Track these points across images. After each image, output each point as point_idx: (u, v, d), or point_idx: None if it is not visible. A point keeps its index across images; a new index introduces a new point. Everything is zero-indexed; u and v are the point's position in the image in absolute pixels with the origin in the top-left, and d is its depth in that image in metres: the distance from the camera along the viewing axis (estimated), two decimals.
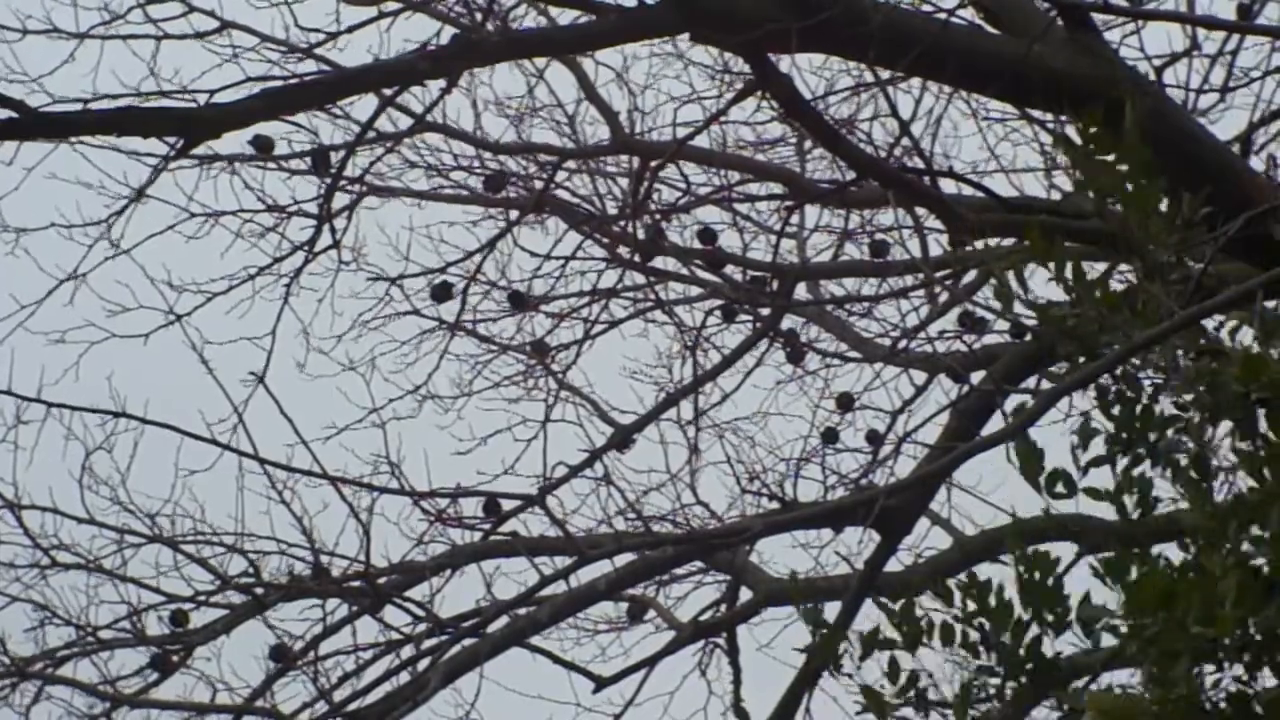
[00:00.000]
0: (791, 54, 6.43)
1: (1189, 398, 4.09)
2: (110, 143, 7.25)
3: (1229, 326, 4.29)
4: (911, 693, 4.26)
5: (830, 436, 8.16)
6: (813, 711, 7.07)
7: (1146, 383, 4.19)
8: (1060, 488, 4.21)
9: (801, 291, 8.32)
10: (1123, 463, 4.14)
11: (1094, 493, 4.21)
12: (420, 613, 6.98)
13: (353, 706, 6.75)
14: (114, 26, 7.30)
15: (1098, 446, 4.15)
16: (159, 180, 7.28)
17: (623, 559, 6.85)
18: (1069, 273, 4.25)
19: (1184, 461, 4.05)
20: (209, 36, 7.38)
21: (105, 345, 7.79)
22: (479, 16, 6.82)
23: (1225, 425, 4.03)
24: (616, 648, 8.15)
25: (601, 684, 7.03)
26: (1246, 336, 4.20)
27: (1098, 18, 6.30)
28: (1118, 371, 4.20)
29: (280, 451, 6.92)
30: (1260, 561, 3.80)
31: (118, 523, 7.39)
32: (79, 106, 6.29)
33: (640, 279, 8.42)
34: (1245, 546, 3.84)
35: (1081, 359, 4.20)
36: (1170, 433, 4.10)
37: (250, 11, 7.43)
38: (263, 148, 7.67)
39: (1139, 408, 4.13)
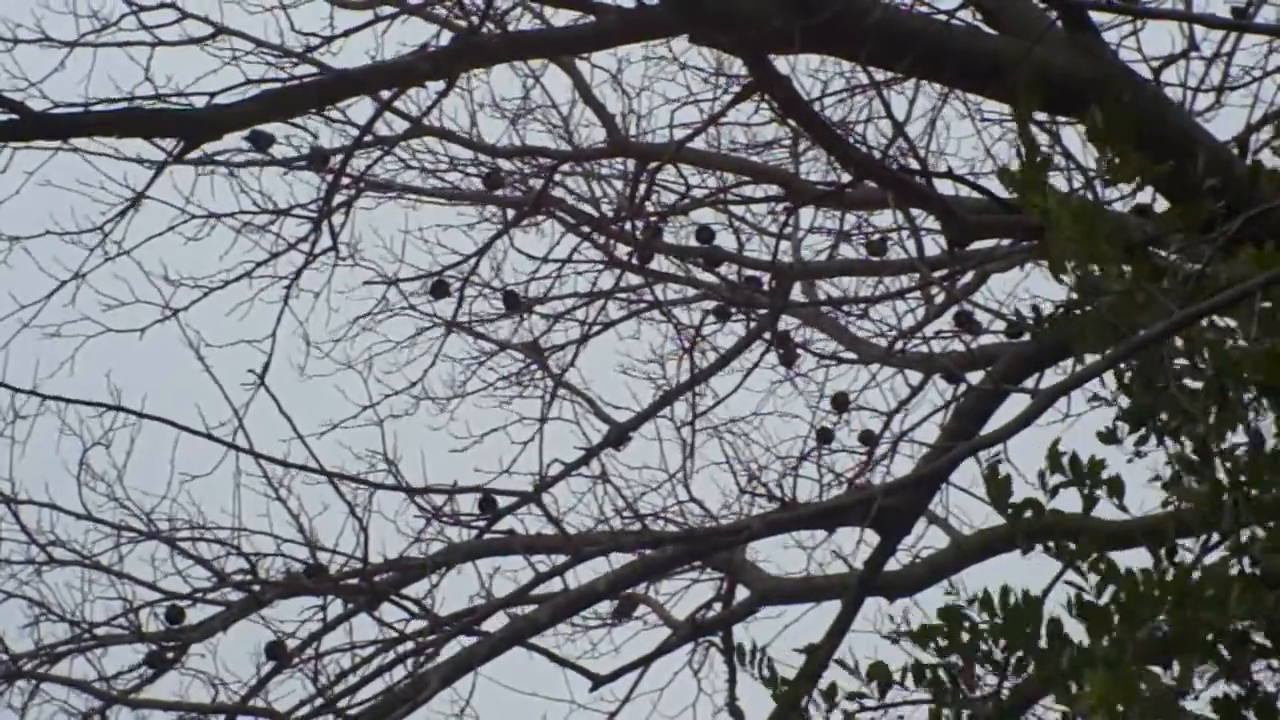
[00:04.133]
0: (791, 55, 6.45)
1: (1200, 385, 4.09)
2: (108, 146, 7.26)
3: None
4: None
5: (825, 436, 8.17)
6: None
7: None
8: (1030, 514, 4.22)
9: (798, 292, 8.33)
10: (1132, 438, 4.15)
11: (1061, 515, 4.22)
12: (418, 610, 7.00)
13: (353, 708, 6.75)
14: (106, 34, 7.31)
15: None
16: (157, 180, 7.28)
17: (622, 559, 6.86)
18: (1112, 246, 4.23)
19: (1190, 445, 4.04)
20: (203, 43, 7.39)
21: (102, 341, 7.80)
22: (475, 19, 6.82)
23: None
24: (607, 644, 8.17)
25: (599, 682, 7.03)
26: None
27: (1097, 19, 6.31)
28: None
29: (277, 448, 6.97)
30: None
31: (115, 519, 7.41)
32: (80, 108, 6.29)
33: (637, 280, 8.43)
34: (1244, 540, 3.85)
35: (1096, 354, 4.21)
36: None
37: (244, 17, 7.48)
38: (260, 143, 7.68)
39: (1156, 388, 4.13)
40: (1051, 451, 4.19)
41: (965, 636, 4.05)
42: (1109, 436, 4.19)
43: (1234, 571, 3.74)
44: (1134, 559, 3.99)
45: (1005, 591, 4.06)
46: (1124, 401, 4.13)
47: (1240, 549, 3.79)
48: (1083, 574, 4.01)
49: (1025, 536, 4.14)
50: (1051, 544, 4.12)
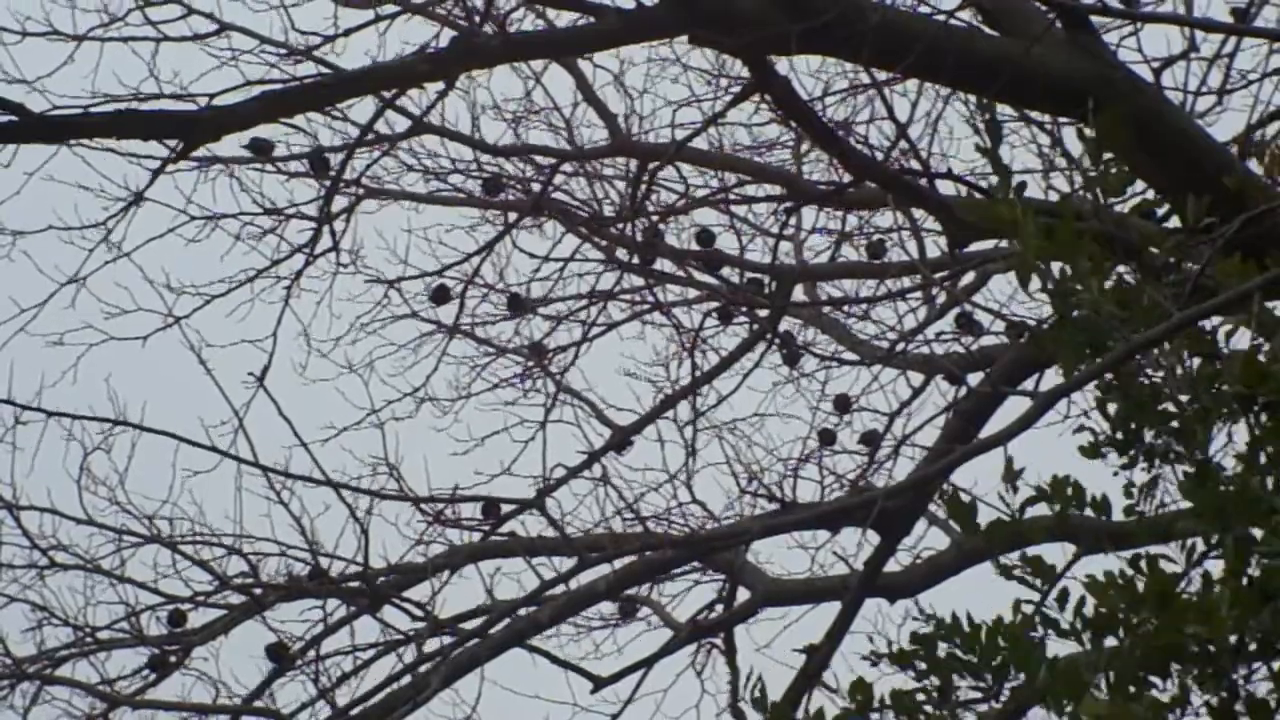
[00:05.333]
0: (790, 55, 6.44)
1: (1185, 398, 4.08)
2: (109, 145, 7.26)
3: (1225, 330, 4.28)
4: None
5: (827, 438, 8.16)
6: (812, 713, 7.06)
7: (1145, 380, 4.18)
8: (998, 533, 4.20)
9: (799, 293, 8.33)
10: (1120, 460, 4.12)
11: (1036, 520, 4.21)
12: (419, 613, 7.01)
13: (354, 709, 6.76)
14: (113, 28, 7.33)
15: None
16: (157, 183, 7.28)
17: (622, 560, 6.87)
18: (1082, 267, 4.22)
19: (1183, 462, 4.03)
20: (208, 39, 7.40)
21: (104, 347, 7.80)
22: (477, 19, 6.82)
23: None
24: (610, 645, 8.17)
25: (600, 684, 7.04)
26: (1243, 340, 4.19)
27: (1096, 19, 6.31)
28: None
29: (280, 452, 6.98)
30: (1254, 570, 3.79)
31: (116, 524, 7.41)
32: (79, 109, 6.29)
33: (638, 281, 8.43)
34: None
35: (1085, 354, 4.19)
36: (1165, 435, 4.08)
37: (249, 14, 7.47)
38: (261, 150, 7.68)
39: (1137, 404, 4.11)
40: (1007, 469, 4.18)
41: (942, 656, 4.03)
42: (1092, 451, 4.17)
43: (1225, 581, 3.73)
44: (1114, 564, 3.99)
45: (976, 626, 4.04)
46: (1101, 421, 4.10)
47: (1239, 561, 3.77)
48: (1043, 594, 4.00)
49: (1000, 546, 4.13)
50: (1024, 573, 4.09)
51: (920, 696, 4.05)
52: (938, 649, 4.04)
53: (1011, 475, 4.15)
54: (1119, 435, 4.13)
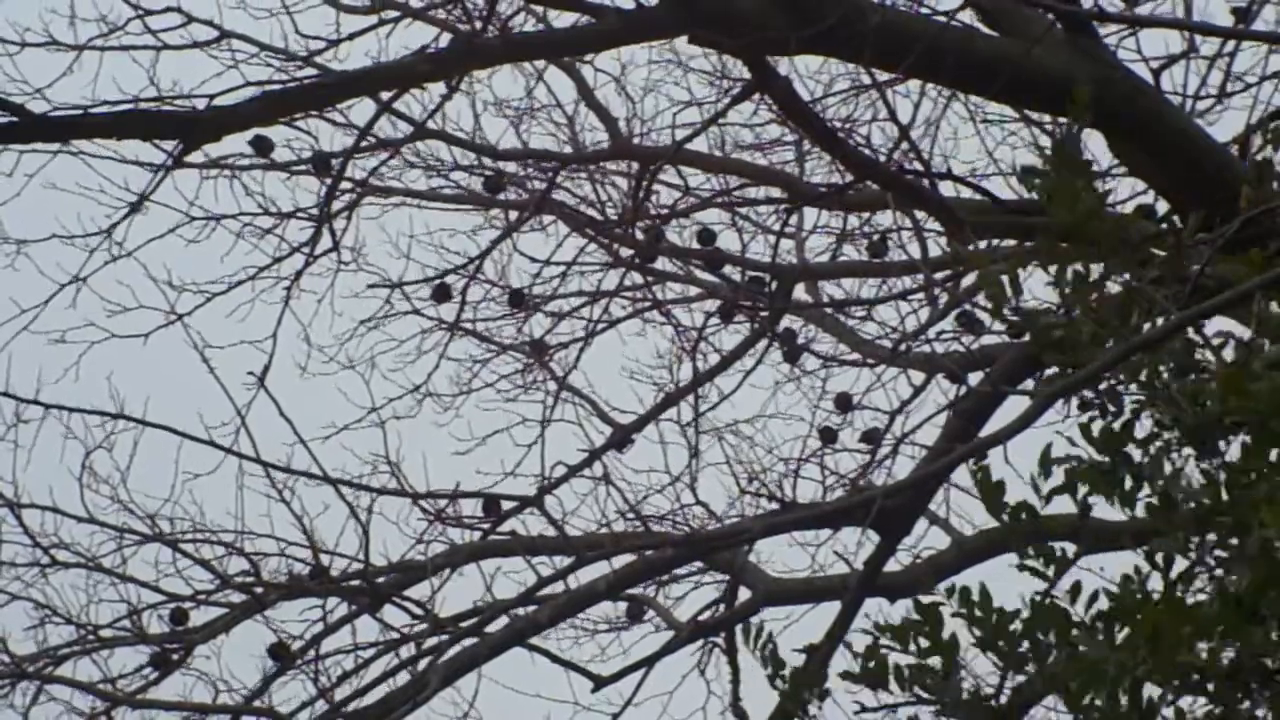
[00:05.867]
0: (790, 56, 6.46)
1: (1169, 419, 4.06)
2: (110, 148, 7.26)
3: (1217, 342, 4.26)
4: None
5: (828, 435, 8.17)
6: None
7: (1128, 400, 4.16)
8: (1024, 517, 4.18)
9: (800, 293, 8.34)
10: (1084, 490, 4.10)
11: (1054, 521, 4.19)
12: (419, 612, 7.01)
13: (352, 707, 6.76)
14: (113, 38, 7.31)
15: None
16: (160, 183, 7.28)
17: (622, 560, 6.87)
18: (1066, 278, 4.22)
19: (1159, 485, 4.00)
20: (207, 46, 7.39)
21: (105, 345, 7.81)
22: (478, 23, 6.83)
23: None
24: (616, 647, 8.18)
25: (600, 683, 7.05)
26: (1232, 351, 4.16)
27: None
28: (1100, 387, 4.16)
29: (280, 450, 6.99)
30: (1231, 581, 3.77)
31: (117, 522, 7.43)
32: (79, 110, 6.29)
33: (640, 279, 8.44)
34: (1218, 570, 3.81)
35: (1069, 370, 4.18)
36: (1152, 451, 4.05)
37: (250, 21, 7.48)
38: (262, 149, 7.69)
39: (1119, 426, 4.09)
40: (1044, 456, 4.16)
41: (946, 636, 4.01)
42: (1060, 490, 4.15)
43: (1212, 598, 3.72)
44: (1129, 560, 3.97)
45: (986, 594, 4.02)
46: (1089, 449, 4.08)
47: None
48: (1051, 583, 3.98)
49: (1019, 540, 4.11)
50: (1039, 562, 4.08)
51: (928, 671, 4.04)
52: (942, 626, 4.02)
53: (1046, 461, 4.14)
54: (1104, 458, 4.10)
